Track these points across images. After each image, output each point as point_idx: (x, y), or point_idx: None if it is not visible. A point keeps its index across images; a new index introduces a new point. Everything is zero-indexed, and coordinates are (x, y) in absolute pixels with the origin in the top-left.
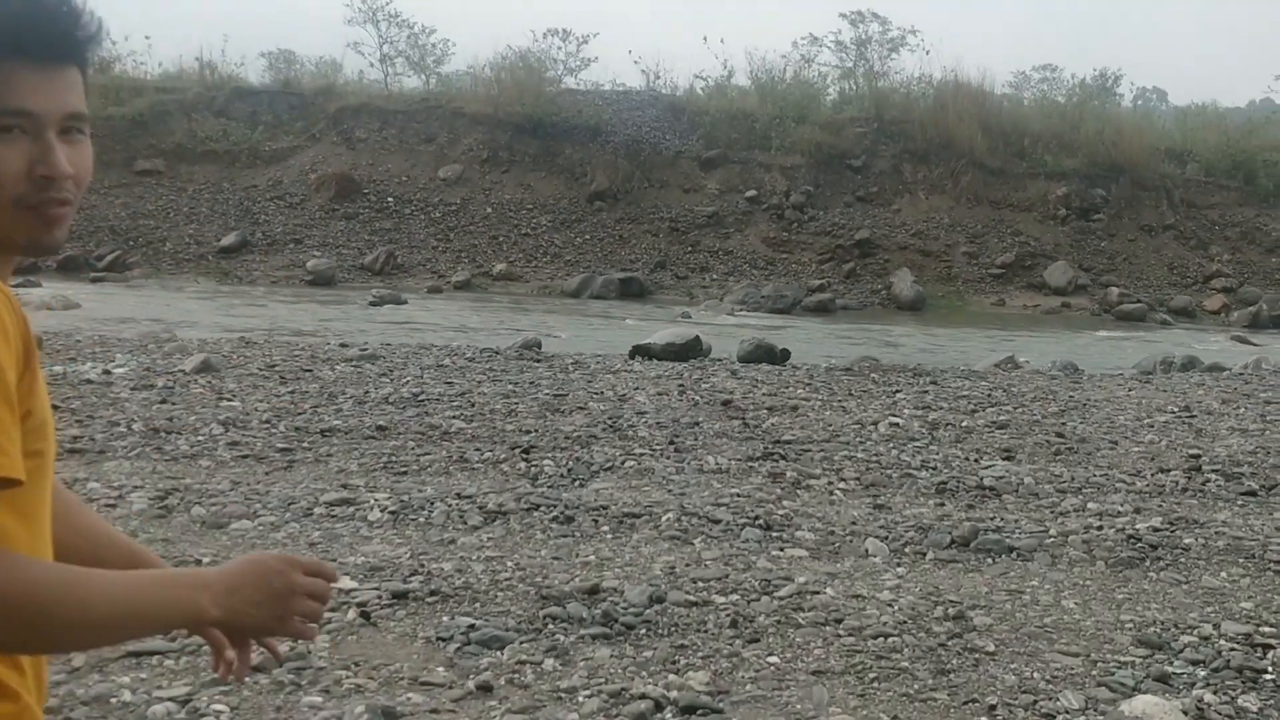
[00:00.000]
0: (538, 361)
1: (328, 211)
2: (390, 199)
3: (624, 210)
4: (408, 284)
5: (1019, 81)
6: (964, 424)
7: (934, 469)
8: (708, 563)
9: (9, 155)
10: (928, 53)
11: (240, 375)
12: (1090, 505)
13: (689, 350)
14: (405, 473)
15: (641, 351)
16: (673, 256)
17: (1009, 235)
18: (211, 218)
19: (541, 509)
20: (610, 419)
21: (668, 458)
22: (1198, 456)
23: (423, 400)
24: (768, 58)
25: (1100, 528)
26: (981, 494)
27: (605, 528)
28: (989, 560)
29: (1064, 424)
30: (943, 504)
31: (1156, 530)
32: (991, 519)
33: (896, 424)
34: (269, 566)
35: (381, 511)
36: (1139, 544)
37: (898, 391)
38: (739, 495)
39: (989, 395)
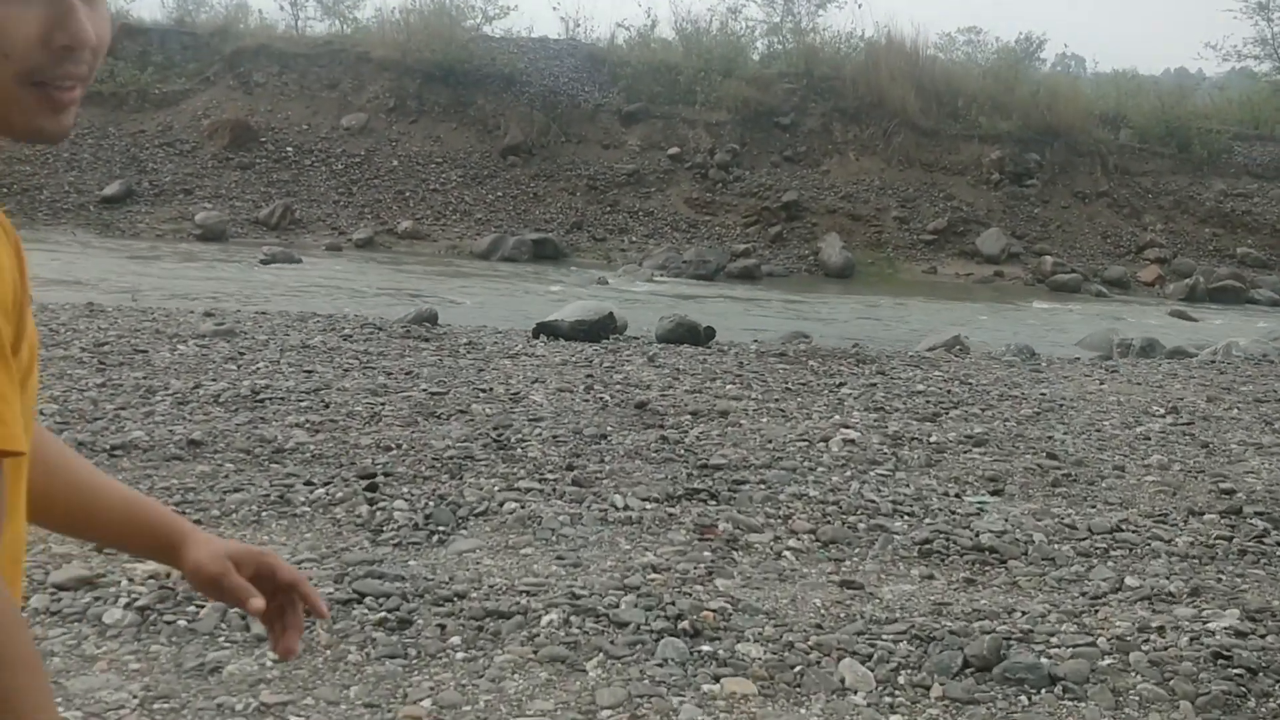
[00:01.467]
0: (426, 340)
1: (221, 161)
2: (289, 149)
3: (539, 166)
4: (305, 241)
5: (944, 43)
6: (932, 438)
7: (909, 514)
8: (605, 715)
9: (22, 17)
10: (860, 6)
11: (50, 359)
12: (1129, 580)
13: (601, 329)
14: (199, 522)
15: (547, 330)
16: (590, 216)
17: (941, 200)
18: (94, 165)
19: (368, 601)
20: (496, 430)
21: (562, 496)
22: (1231, 493)
23: (264, 399)
24: (693, 9)
25: (1161, 629)
26: (980, 559)
27: (456, 639)
28: (1024, 698)
29: (1050, 437)
30: (931, 575)
31: (1242, 636)
32: (1008, 611)
33: (852, 441)
34: None
35: (127, 608)
36: (1231, 666)
37: (842, 385)
38: (655, 567)
39: (948, 391)
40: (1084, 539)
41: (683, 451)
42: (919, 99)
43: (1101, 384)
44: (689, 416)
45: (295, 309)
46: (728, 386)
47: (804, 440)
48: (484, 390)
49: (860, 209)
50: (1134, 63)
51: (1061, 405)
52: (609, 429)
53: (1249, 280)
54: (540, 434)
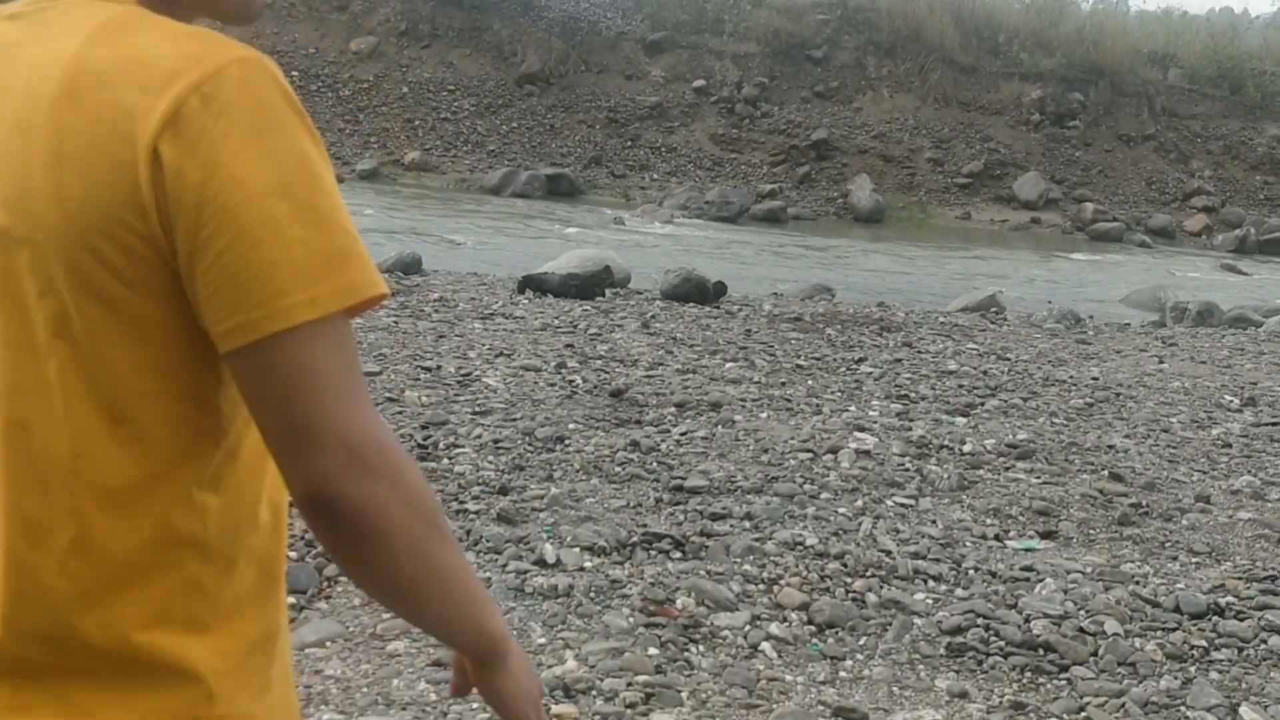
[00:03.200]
0: (393, 296)
1: None
2: (295, 73)
3: (556, 97)
4: None
5: None
6: (965, 446)
7: (936, 576)
8: None
9: None
10: None
11: None
12: (1247, 714)
13: (596, 284)
14: None
15: (534, 285)
16: (609, 151)
17: (978, 141)
18: None
19: None
20: (425, 429)
21: (476, 543)
22: None
23: None
24: None
25: None
26: (1033, 663)
27: None
28: None
29: (1110, 446)
30: (964, 693)
31: None
32: None
33: (866, 452)
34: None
35: None
36: None
37: (862, 360)
38: (570, 685)
39: (984, 372)
40: (1173, 627)
41: (655, 465)
42: (958, 33)
43: (1161, 362)
44: (673, 410)
45: None
46: (727, 365)
47: (808, 450)
48: (429, 369)
49: (893, 149)
50: (1180, 1)
51: (1119, 394)
52: (571, 427)
53: None
54: (481, 436)
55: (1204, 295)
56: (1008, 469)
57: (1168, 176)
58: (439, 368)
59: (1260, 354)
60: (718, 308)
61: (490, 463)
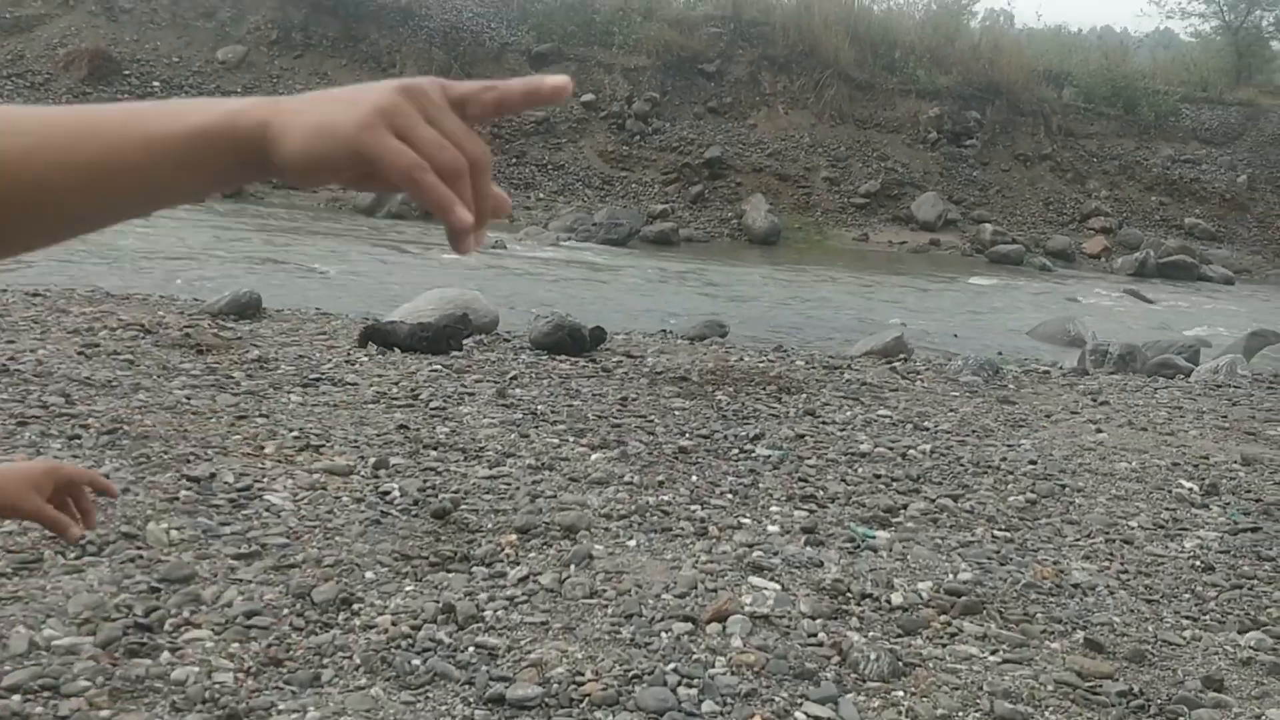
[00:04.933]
0: (199, 352)
1: (77, 96)
2: (156, 83)
3: None
4: None
5: None
6: (894, 596)
7: None
8: None
9: None
10: None
11: None
12: None
13: (451, 335)
14: None
15: (378, 338)
16: (493, 169)
17: (875, 160)
18: None
19: None
20: (161, 586)
21: None
22: None
23: None
24: None
25: None
26: None
27: None
28: None
29: (1075, 585)
30: None
31: None
32: None
33: (764, 616)
34: (400, 83)
35: None
36: None
37: (758, 439)
38: None
39: (904, 453)
40: None
41: (471, 651)
42: (854, 49)
43: (1098, 430)
44: (514, 539)
45: (103, 282)
46: (594, 456)
47: (687, 618)
48: (197, 479)
49: (788, 168)
50: (1062, 19)
51: (1063, 486)
52: (369, 577)
53: (1198, 254)
54: (232, 604)
55: (1110, 324)
56: (954, 635)
57: (1065, 197)
58: (212, 476)
59: (1200, 413)
60: (594, 361)
61: (231, 659)
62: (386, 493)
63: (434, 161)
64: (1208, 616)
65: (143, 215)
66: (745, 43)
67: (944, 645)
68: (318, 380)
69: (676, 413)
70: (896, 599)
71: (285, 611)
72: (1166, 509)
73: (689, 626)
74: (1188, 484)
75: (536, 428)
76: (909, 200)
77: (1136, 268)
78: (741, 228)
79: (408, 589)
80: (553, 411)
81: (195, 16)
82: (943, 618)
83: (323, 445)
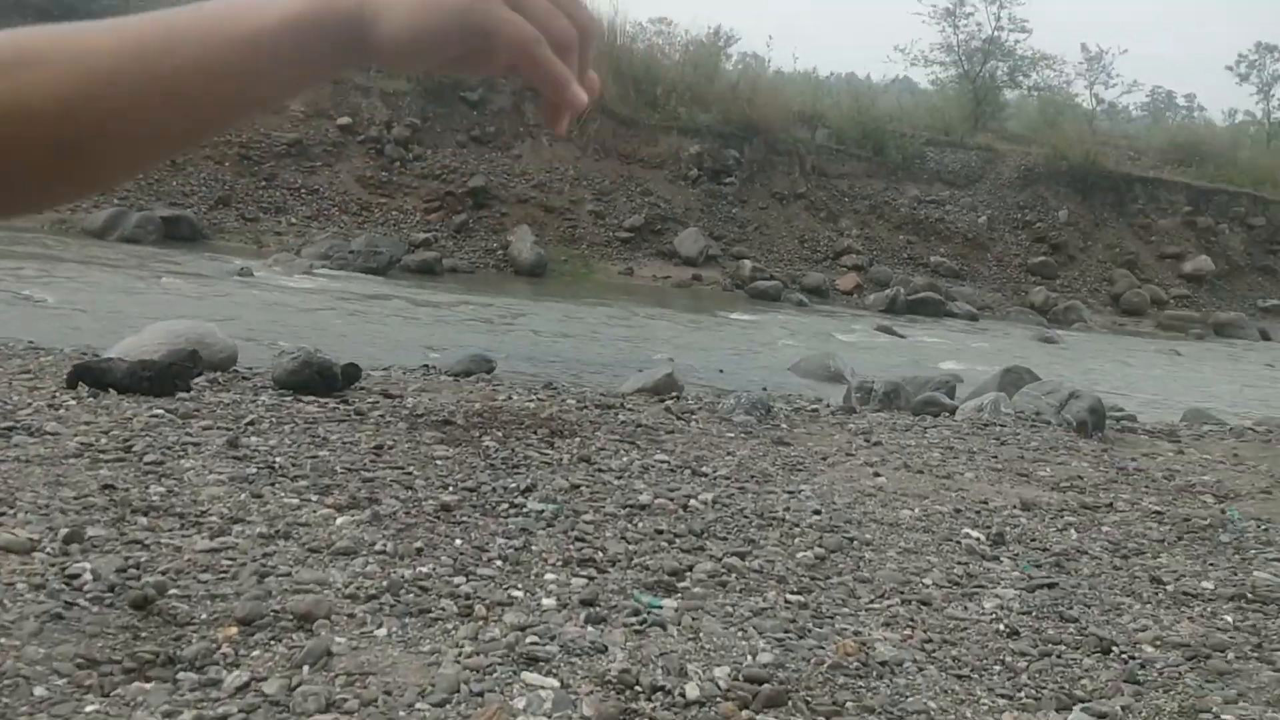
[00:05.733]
0: None
1: None
2: None
3: None
4: None
5: (636, 33)
6: (688, 689)
7: None
8: None
9: None
10: None
11: None
12: None
13: (178, 375)
14: None
15: (91, 377)
16: (240, 191)
17: (638, 195)
18: None
19: None
20: None
21: None
22: None
23: None
24: None
25: None
26: None
27: None
28: None
29: (881, 663)
30: None
31: None
32: None
33: None
34: None
35: None
36: None
37: (529, 491)
38: None
39: (685, 503)
40: None
41: None
42: (617, 84)
43: (876, 474)
44: (234, 632)
45: None
46: (339, 521)
47: None
48: None
49: (554, 200)
50: (814, 64)
51: (851, 539)
52: (38, 695)
53: (944, 291)
54: None
55: (866, 359)
56: None
57: (819, 235)
58: None
59: (971, 454)
60: (346, 402)
61: None
62: (75, 576)
63: (549, 33)
64: (1023, 694)
65: (241, 119)
66: (508, 71)
67: None
68: (9, 430)
69: (439, 462)
70: (691, 691)
71: None
72: (959, 562)
73: None
74: (974, 533)
75: (273, 485)
76: (672, 235)
77: (888, 304)
78: (507, 259)
79: (89, 710)
80: (294, 464)
81: None
82: (745, 713)
83: (1, 514)
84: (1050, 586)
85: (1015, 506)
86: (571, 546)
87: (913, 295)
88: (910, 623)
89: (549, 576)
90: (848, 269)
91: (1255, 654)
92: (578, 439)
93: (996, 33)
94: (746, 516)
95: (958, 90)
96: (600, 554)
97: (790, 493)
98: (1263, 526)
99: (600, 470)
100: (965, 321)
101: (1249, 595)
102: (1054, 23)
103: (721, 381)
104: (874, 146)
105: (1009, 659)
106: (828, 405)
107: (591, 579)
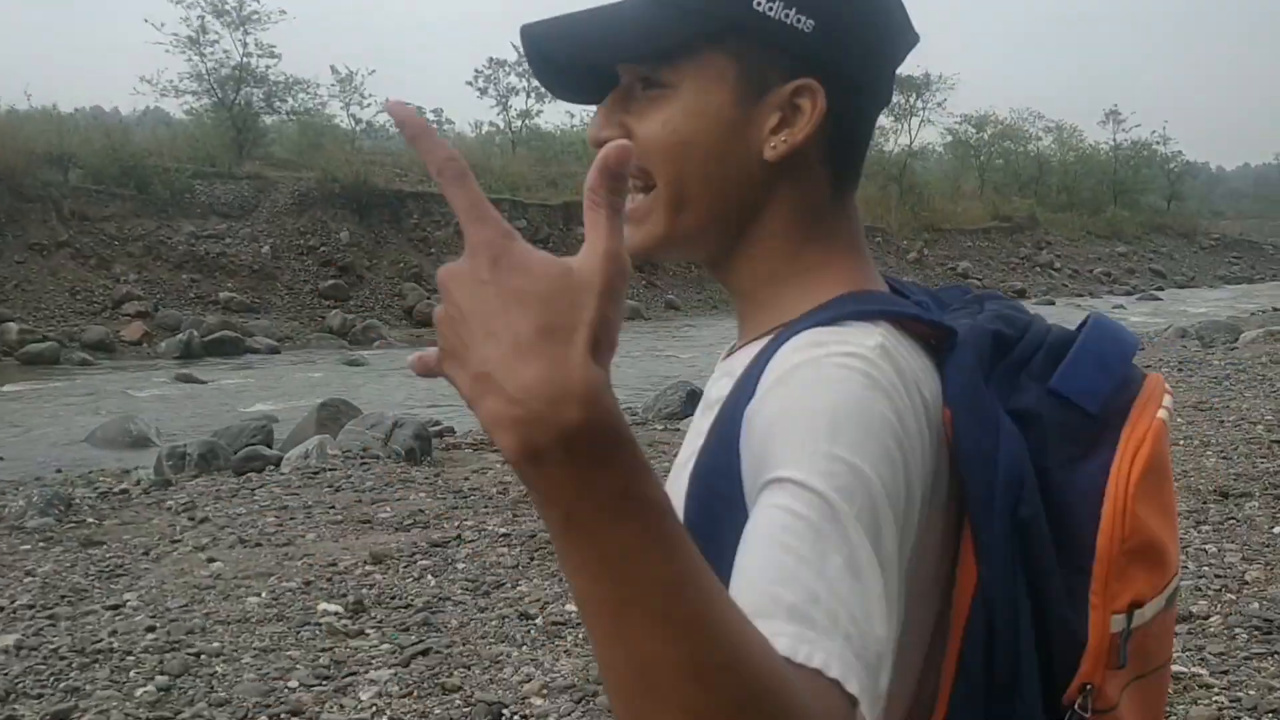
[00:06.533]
0: None
1: None
2: None
3: None
4: None
5: None
6: None
7: None
8: None
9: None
10: None
11: None
12: None
13: None
14: None
15: None
16: None
17: None
18: None
19: None
20: None
21: None
22: None
23: None
24: None
25: None
26: None
27: None
28: None
29: None
30: None
31: None
32: None
33: None
34: None
35: None
36: None
37: None
38: None
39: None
40: None
41: None
42: None
43: (209, 558)
44: None
45: None
46: None
47: None
48: None
49: None
50: (51, 99)
51: (195, 653)
52: None
53: (240, 327)
54: None
55: (172, 414)
56: None
57: (93, 284)
58: None
59: (309, 510)
60: None
61: None
62: None
63: None
64: None
65: None
66: None
67: None
68: None
69: None
70: None
71: None
72: (323, 650)
73: None
74: (331, 606)
75: None
76: None
77: (182, 349)
78: None
79: None
80: None
81: None
82: None
83: None
84: (425, 653)
85: (367, 563)
86: None
87: (208, 336)
88: None
89: None
90: (131, 317)
91: None
92: None
93: (246, 59)
94: (63, 657)
95: (215, 120)
96: None
97: (114, 608)
98: None
99: None
100: (268, 356)
101: None
102: (305, 47)
103: (3, 471)
104: (137, 184)
105: None
106: (138, 481)
107: None
